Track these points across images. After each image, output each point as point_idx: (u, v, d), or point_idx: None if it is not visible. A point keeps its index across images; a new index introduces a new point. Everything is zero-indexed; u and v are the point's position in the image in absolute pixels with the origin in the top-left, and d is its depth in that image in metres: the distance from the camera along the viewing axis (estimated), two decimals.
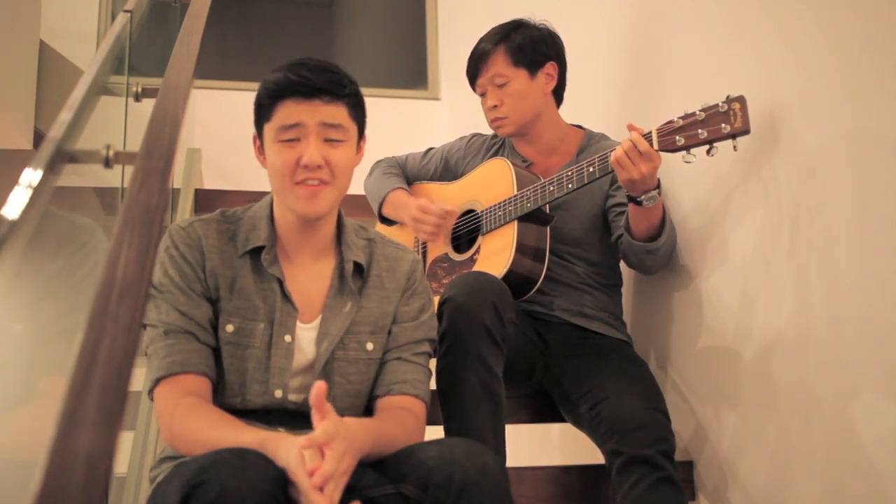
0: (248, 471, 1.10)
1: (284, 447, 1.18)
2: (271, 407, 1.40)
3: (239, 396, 1.40)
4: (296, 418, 1.41)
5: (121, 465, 1.86)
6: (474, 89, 2.11)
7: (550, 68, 2.05)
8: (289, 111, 1.40)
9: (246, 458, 1.12)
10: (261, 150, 1.48)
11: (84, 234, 1.40)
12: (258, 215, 1.49)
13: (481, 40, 2.08)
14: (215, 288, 1.41)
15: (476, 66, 2.07)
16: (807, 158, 1.56)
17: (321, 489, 1.13)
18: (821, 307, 1.52)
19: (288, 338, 1.41)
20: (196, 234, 1.44)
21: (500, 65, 2.03)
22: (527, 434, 2.54)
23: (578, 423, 1.88)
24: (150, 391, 1.37)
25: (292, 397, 1.42)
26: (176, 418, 1.30)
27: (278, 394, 1.40)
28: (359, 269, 1.50)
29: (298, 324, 1.44)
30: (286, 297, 1.43)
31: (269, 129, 1.43)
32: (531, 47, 2.03)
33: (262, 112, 1.44)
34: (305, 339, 1.44)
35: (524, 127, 2.06)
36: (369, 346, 1.47)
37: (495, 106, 2.04)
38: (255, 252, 1.45)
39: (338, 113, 1.41)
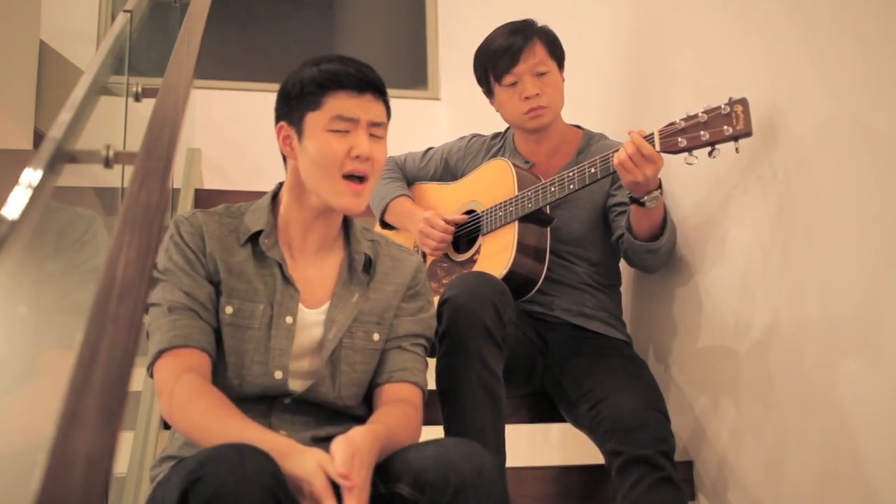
0: (246, 466, 1.11)
1: (299, 459, 1.19)
2: (271, 391, 1.40)
3: (238, 378, 1.40)
4: (295, 414, 1.42)
5: (121, 465, 1.86)
6: (501, 80, 2.02)
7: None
8: (343, 103, 1.42)
9: (244, 454, 1.13)
10: (288, 139, 1.47)
11: (84, 223, 1.43)
12: (259, 206, 1.51)
13: (507, 35, 2.02)
14: (216, 271, 1.43)
15: (516, 54, 1.99)
16: (803, 156, 1.56)
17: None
18: (817, 301, 1.52)
19: (289, 319, 1.42)
20: (198, 223, 1.46)
21: (541, 54, 2.00)
22: (527, 434, 2.54)
23: (578, 423, 1.88)
24: (151, 366, 1.37)
25: (295, 383, 1.42)
26: (176, 396, 1.30)
27: (278, 375, 1.40)
28: (367, 264, 1.52)
29: (303, 307, 1.45)
30: (287, 279, 1.44)
31: (316, 117, 1.42)
32: (558, 43, 2.05)
33: (308, 100, 1.43)
34: (311, 322, 1.45)
35: (554, 119, 2.05)
36: (375, 336, 1.49)
37: (537, 94, 1.99)
38: (256, 239, 1.46)
39: (381, 110, 1.47)
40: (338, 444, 1.22)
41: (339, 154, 1.41)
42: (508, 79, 2.01)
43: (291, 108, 1.46)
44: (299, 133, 1.45)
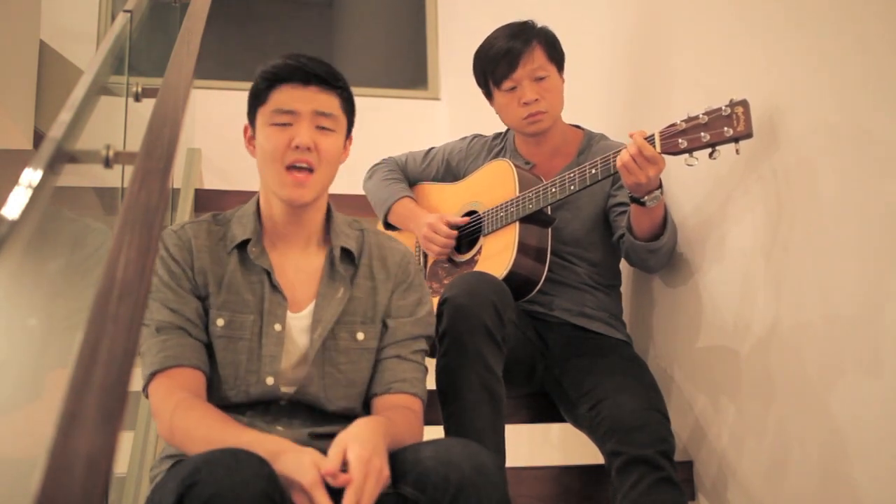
0: (242, 470, 1.11)
1: (293, 457, 1.18)
2: (266, 397, 1.41)
3: (234, 389, 1.41)
4: (293, 413, 1.42)
5: (121, 465, 1.86)
6: (500, 85, 2.02)
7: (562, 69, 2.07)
8: (285, 96, 1.43)
9: (240, 458, 1.13)
10: (251, 139, 1.50)
11: (98, 237, 1.44)
12: (245, 213, 1.51)
13: (505, 38, 2.01)
14: (204, 285, 1.43)
15: (515, 59, 1.99)
16: (804, 157, 1.56)
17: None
18: (817, 302, 1.52)
19: (278, 326, 1.43)
20: (186, 236, 1.46)
21: (541, 59, 2.00)
22: (527, 434, 2.54)
23: (578, 424, 1.88)
24: (145, 387, 1.38)
25: (285, 388, 1.42)
26: (176, 416, 1.30)
27: (269, 381, 1.40)
28: (349, 255, 1.51)
29: (289, 313, 1.45)
30: (275, 287, 1.45)
31: (262, 112, 1.45)
32: (559, 46, 2.05)
33: (258, 97, 1.46)
34: (297, 328, 1.45)
35: (554, 123, 2.05)
36: (360, 335, 1.48)
37: (536, 100, 1.99)
38: (243, 247, 1.47)
39: (331, 102, 1.45)
40: (334, 442, 1.23)
41: (281, 146, 1.42)
42: (507, 84, 2.01)
43: (249, 108, 1.49)
44: (254, 130, 1.48)
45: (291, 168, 1.42)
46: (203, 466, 1.10)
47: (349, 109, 1.49)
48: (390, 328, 1.50)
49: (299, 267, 1.49)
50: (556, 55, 2.03)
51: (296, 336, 1.45)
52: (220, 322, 1.41)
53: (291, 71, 1.43)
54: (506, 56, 1.99)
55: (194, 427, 1.28)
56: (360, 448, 1.19)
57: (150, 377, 1.36)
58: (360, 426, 1.26)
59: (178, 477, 1.11)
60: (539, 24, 2.06)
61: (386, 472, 1.21)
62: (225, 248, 1.47)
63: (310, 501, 1.15)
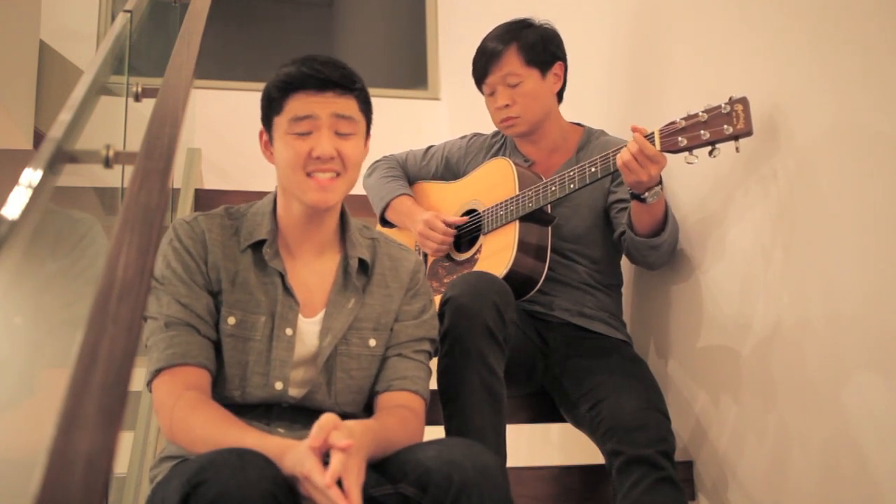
0: (247, 470, 1.10)
1: (293, 453, 1.18)
2: (271, 400, 1.41)
3: (239, 389, 1.40)
4: (295, 416, 1.42)
5: (121, 465, 1.86)
6: (481, 89, 2.08)
7: (558, 68, 2.05)
8: (301, 103, 1.41)
9: (245, 458, 1.12)
10: (268, 145, 1.49)
11: (82, 227, 1.42)
12: (261, 211, 1.50)
13: (489, 39, 2.05)
14: (217, 280, 1.42)
15: (487, 65, 2.03)
16: (805, 156, 1.56)
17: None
18: (818, 301, 1.52)
19: (289, 331, 1.42)
20: (200, 228, 1.45)
21: (513, 64, 2.01)
22: (527, 434, 2.54)
23: (578, 423, 1.88)
24: (150, 382, 1.37)
25: (293, 391, 1.42)
26: (177, 413, 1.30)
27: (278, 386, 1.40)
28: (363, 266, 1.51)
29: (301, 317, 1.44)
30: (288, 290, 1.44)
31: (279, 121, 1.43)
32: (542, 47, 2.03)
33: (273, 105, 1.44)
34: (308, 332, 1.44)
35: (533, 126, 2.05)
36: (371, 342, 1.47)
37: (507, 105, 2.02)
38: (257, 246, 1.46)
39: (349, 105, 1.44)
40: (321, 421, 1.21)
41: (301, 155, 1.41)
42: (485, 88, 2.06)
43: (264, 115, 1.48)
44: (271, 138, 1.47)
45: (313, 173, 1.41)
46: (209, 466, 1.10)
47: (366, 110, 1.48)
48: (394, 330, 1.50)
49: (312, 270, 1.48)
50: (536, 57, 2.01)
51: (306, 340, 1.44)
52: (232, 320, 1.40)
53: (305, 78, 1.41)
54: (479, 60, 2.05)
55: (196, 426, 1.28)
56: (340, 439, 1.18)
57: (156, 373, 1.35)
58: (353, 429, 1.25)
59: (183, 476, 1.11)
60: (537, 22, 2.06)
61: (359, 479, 1.19)
62: (238, 244, 1.46)
63: (316, 489, 1.14)
